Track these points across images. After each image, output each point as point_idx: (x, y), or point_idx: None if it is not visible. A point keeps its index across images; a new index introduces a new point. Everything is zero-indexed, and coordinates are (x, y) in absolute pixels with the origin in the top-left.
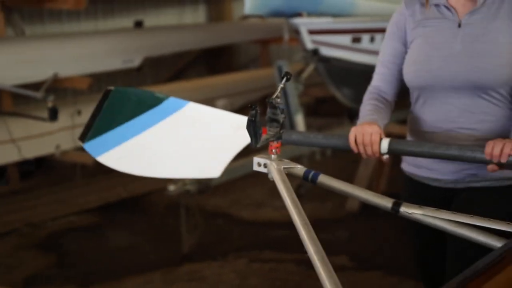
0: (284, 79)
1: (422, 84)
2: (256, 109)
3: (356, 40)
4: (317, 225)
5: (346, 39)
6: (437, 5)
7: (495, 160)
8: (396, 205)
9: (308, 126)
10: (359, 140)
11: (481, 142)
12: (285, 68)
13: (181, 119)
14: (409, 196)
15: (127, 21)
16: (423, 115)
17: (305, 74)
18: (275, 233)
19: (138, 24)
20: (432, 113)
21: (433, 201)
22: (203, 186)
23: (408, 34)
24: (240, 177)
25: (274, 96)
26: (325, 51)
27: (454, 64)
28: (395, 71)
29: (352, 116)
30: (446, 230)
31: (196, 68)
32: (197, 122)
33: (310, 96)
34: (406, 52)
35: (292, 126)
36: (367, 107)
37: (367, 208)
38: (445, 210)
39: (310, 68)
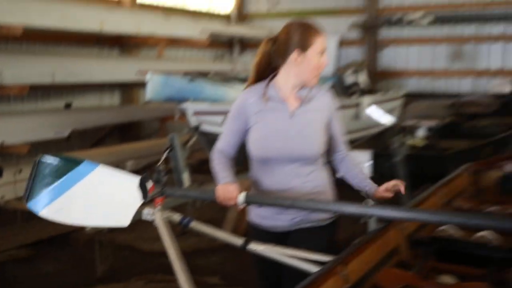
0: (167, 150)
1: (264, 157)
2: (146, 173)
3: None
4: (196, 253)
5: (219, 118)
6: (274, 98)
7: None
8: (245, 243)
9: (193, 181)
10: (222, 196)
11: (311, 196)
12: (176, 139)
13: (95, 179)
14: (255, 239)
15: (60, 103)
16: (265, 178)
17: (190, 143)
18: (166, 261)
19: (68, 106)
20: (273, 177)
21: (274, 242)
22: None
23: (250, 118)
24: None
25: (159, 163)
26: (205, 127)
27: (290, 144)
28: (234, 140)
29: None
30: (280, 261)
31: (112, 138)
32: (107, 181)
33: (195, 159)
34: (246, 129)
35: (180, 181)
36: (220, 168)
37: None
38: (280, 247)
39: (194, 139)
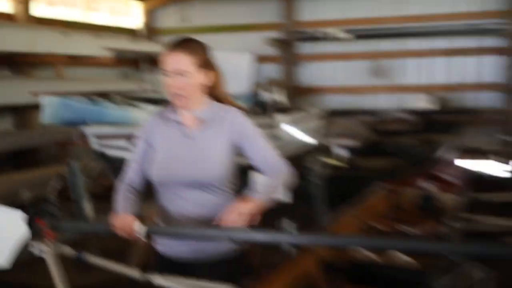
0: (58, 180)
1: (161, 181)
2: (31, 207)
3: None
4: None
5: (124, 142)
6: (175, 121)
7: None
8: (144, 275)
9: (98, 210)
10: (119, 229)
11: (208, 222)
12: (75, 166)
13: None
14: (161, 268)
15: None
16: (166, 206)
17: (92, 170)
18: None
19: None
20: (169, 202)
21: (179, 272)
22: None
23: (153, 140)
24: None
25: (49, 195)
26: (108, 152)
27: (186, 168)
28: (143, 167)
29: None
30: None
31: (6, 166)
32: None
33: (99, 186)
34: (151, 155)
35: (80, 211)
36: (121, 198)
37: None
38: (182, 278)
39: (96, 165)
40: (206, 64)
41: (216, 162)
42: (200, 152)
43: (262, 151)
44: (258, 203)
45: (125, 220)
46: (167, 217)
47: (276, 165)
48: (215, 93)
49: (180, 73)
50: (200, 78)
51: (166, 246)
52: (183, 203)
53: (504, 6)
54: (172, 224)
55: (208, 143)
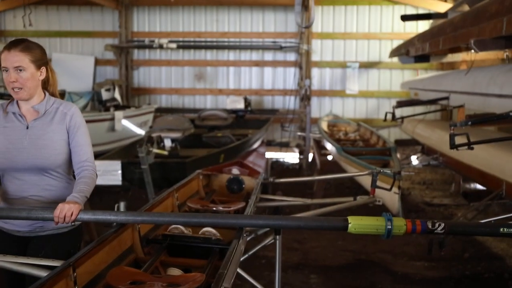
0: None
1: (3, 167)
2: None
3: None
4: None
5: None
6: (13, 113)
7: (61, 222)
8: None
9: None
10: None
11: (50, 204)
12: None
13: None
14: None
15: None
16: (7, 188)
17: None
18: None
19: None
20: (12, 186)
21: (15, 246)
22: None
23: None
24: None
25: None
26: None
27: (24, 154)
28: None
29: None
30: (11, 269)
31: None
32: None
33: None
34: None
35: None
36: None
37: None
38: (20, 256)
39: None
40: (39, 61)
41: (52, 149)
42: (36, 140)
43: (81, 146)
44: (79, 204)
45: None
46: (8, 199)
47: (86, 163)
48: (49, 89)
49: (18, 68)
50: (34, 72)
51: (9, 223)
52: (20, 185)
53: (297, 28)
54: (14, 205)
55: (45, 132)
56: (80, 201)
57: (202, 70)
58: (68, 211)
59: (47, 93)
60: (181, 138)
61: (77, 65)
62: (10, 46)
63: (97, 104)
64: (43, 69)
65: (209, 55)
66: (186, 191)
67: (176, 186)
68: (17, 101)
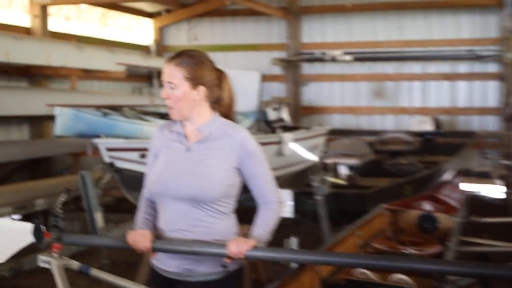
0: (64, 193)
1: (156, 191)
2: (39, 220)
3: (143, 155)
4: None
5: (134, 155)
6: (177, 132)
7: (235, 256)
8: None
9: (108, 221)
10: (131, 243)
11: (196, 242)
12: (87, 177)
13: None
14: (151, 281)
15: None
16: (159, 217)
17: (103, 181)
18: None
19: None
20: (163, 216)
21: (165, 285)
22: (17, 271)
23: (159, 152)
24: None
25: (55, 206)
26: (119, 164)
27: (179, 179)
28: None
29: None
30: None
31: (20, 175)
32: None
33: (111, 196)
34: None
35: (92, 222)
36: (140, 217)
37: None
38: None
39: (108, 176)
40: (197, 79)
41: (210, 177)
42: (197, 165)
43: (261, 177)
44: (257, 242)
45: (138, 234)
46: (157, 230)
47: (269, 196)
48: (220, 109)
49: (170, 85)
50: (188, 92)
51: (159, 261)
52: (169, 216)
53: (499, 33)
54: (173, 239)
55: (206, 157)
56: (255, 237)
57: (381, 85)
58: (238, 247)
59: (216, 113)
60: (359, 165)
61: (241, 82)
62: (170, 58)
63: (262, 125)
64: (201, 88)
65: (389, 67)
66: (370, 229)
67: (359, 223)
68: (182, 120)
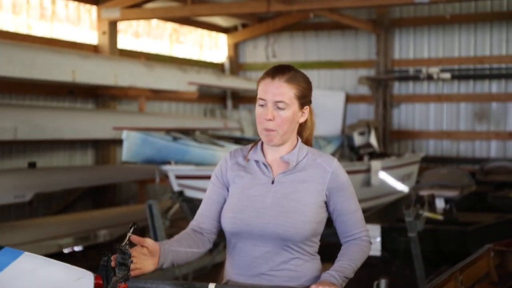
0: (132, 228)
1: (235, 230)
2: (108, 256)
3: None
4: None
5: (207, 184)
6: (256, 161)
7: None
8: None
9: None
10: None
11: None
12: (155, 207)
13: (16, 271)
14: None
15: (23, 162)
16: (234, 260)
17: (171, 212)
18: None
19: (32, 165)
20: (241, 258)
21: None
22: None
23: (229, 180)
24: None
25: (123, 243)
26: (189, 193)
27: (264, 216)
28: (214, 210)
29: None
30: None
31: (84, 203)
32: (34, 273)
33: (179, 228)
34: (225, 198)
35: None
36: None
37: None
38: None
39: (176, 206)
40: (305, 97)
41: (301, 214)
42: (283, 200)
43: (350, 213)
44: (341, 285)
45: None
46: (232, 273)
47: (357, 234)
48: (303, 134)
49: (279, 105)
50: (296, 112)
51: None
52: (249, 258)
53: None
54: (253, 285)
55: (294, 191)
56: (338, 283)
57: (484, 107)
58: None
59: (299, 140)
60: (458, 198)
61: (324, 103)
62: (274, 73)
63: (348, 151)
64: (307, 109)
65: (495, 86)
66: (473, 272)
67: (460, 265)
68: (261, 146)
